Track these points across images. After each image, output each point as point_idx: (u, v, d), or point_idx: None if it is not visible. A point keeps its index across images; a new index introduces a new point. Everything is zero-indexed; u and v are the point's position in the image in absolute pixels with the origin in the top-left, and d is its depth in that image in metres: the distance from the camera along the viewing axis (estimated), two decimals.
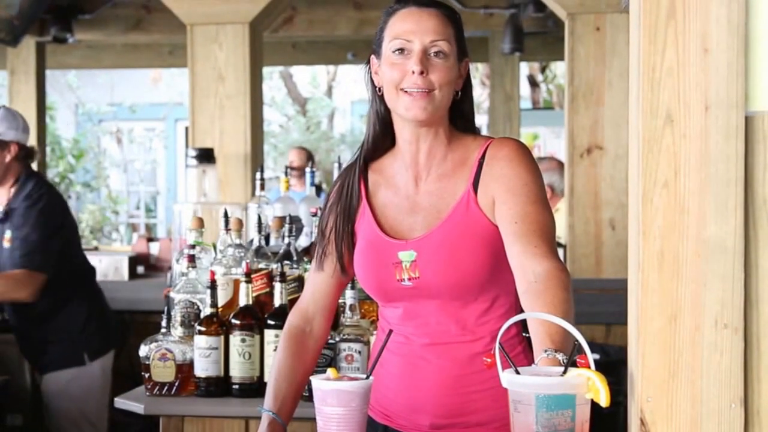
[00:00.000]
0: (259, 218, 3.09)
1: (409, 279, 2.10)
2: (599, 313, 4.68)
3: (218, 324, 2.87)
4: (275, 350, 2.31)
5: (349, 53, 8.75)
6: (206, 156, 4.97)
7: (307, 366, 2.24)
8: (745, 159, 1.51)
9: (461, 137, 2.16)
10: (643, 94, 1.53)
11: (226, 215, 3.14)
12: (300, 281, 2.91)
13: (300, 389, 2.23)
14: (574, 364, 1.57)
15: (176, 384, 2.93)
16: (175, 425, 2.89)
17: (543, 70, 13.50)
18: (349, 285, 2.64)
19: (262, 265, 2.99)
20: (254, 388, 2.85)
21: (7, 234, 4.15)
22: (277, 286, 2.83)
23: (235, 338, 2.86)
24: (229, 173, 5.19)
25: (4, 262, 4.14)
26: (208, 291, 2.88)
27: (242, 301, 2.87)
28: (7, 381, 4.82)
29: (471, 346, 2.10)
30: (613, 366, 4.22)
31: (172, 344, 2.95)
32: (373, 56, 2.16)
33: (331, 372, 1.89)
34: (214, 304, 2.87)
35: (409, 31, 2.07)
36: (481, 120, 10.34)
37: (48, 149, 10.83)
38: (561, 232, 5.38)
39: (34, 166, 4.37)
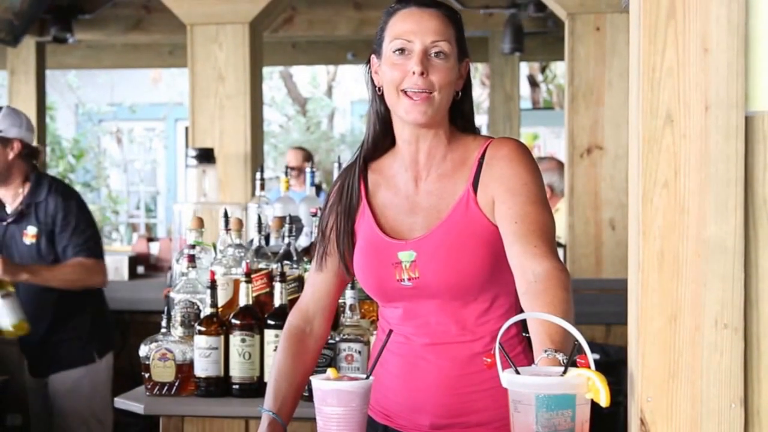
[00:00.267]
0: (259, 218, 3.09)
1: (409, 279, 2.10)
2: (599, 313, 4.68)
3: (218, 324, 2.87)
4: (275, 350, 2.31)
5: (349, 53, 8.75)
6: (206, 156, 4.97)
7: (307, 366, 2.24)
8: (745, 159, 1.51)
9: (461, 137, 2.16)
10: (643, 94, 1.53)
11: (226, 215, 3.14)
12: (300, 281, 2.92)
13: (300, 389, 2.23)
14: (574, 364, 1.57)
15: (176, 384, 2.93)
16: (175, 425, 2.89)
17: (543, 70, 13.50)
18: (349, 285, 2.64)
19: (262, 265, 2.99)
20: (254, 388, 2.85)
21: (31, 230, 4.21)
22: (277, 286, 2.83)
23: (235, 338, 2.86)
24: (229, 173, 5.19)
25: (23, 258, 4.20)
26: (208, 291, 2.88)
27: (242, 301, 2.87)
28: (7, 381, 4.83)
29: (471, 345, 2.10)
30: (613, 366, 4.22)
31: (172, 344, 2.95)
32: (373, 56, 2.16)
33: (331, 372, 1.89)
34: (214, 304, 2.88)
35: (410, 32, 2.07)
36: (481, 120, 10.33)
37: (48, 149, 10.85)
38: (561, 232, 5.38)
39: None
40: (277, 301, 2.84)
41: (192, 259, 3.05)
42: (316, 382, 1.87)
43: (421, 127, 2.11)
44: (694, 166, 1.51)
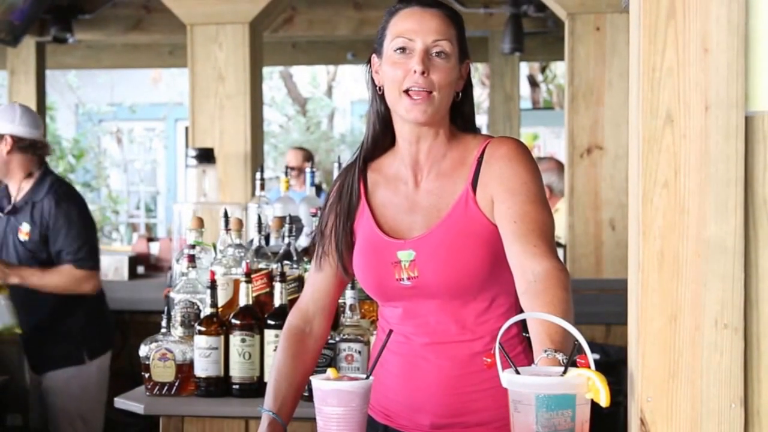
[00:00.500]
0: (259, 218, 3.09)
1: (408, 278, 2.10)
2: (599, 313, 4.68)
3: (218, 324, 2.87)
4: (275, 350, 2.31)
5: (349, 53, 8.75)
6: (206, 156, 4.97)
7: (307, 366, 2.24)
8: (745, 159, 1.51)
9: (461, 136, 2.16)
10: (643, 94, 1.53)
11: (226, 215, 3.14)
12: (300, 281, 2.91)
13: (300, 389, 2.23)
14: (574, 364, 1.57)
15: (176, 384, 2.93)
16: (175, 425, 2.89)
17: (543, 70, 13.50)
18: (349, 285, 2.65)
19: (262, 265, 2.99)
20: (254, 388, 2.85)
21: (25, 227, 4.23)
22: (277, 286, 2.83)
23: (235, 338, 2.86)
24: (229, 173, 5.19)
25: (20, 255, 4.23)
26: (208, 291, 2.88)
27: (242, 301, 2.87)
28: (7, 381, 4.83)
29: (471, 345, 2.10)
30: (613, 366, 4.22)
31: (172, 344, 2.95)
32: (374, 55, 2.16)
33: (331, 372, 1.89)
34: (214, 304, 2.88)
35: (412, 31, 2.07)
36: (481, 120, 10.33)
37: None
38: (561, 232, 5.38)
39: None
40: (277, 301, 2.84)
41: (192, 259, 3.06)
42: (316, 382, 1.87)
43: (422, 126, 2.11)
44: (694, 166, 1.51)
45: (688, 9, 1.51)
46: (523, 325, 2.10)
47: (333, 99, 14.81)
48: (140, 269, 6.12)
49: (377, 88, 2.16)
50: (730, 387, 1.50)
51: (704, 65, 1.51)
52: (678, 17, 1.52)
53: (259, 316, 2.88)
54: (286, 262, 2.93)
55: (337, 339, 2.75)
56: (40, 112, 7.43)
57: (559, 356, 1.69)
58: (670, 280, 1.52)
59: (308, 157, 7.47)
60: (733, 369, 1.50)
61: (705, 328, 1.51)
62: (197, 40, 5.21)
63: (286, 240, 3.01)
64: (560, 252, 4.95)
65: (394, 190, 2.17)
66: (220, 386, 2.88)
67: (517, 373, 1.57)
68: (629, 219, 1.65)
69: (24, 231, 4.23)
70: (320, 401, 1.86)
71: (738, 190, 1.51)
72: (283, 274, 2.82)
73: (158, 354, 2.93)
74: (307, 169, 3.63)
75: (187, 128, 6.13)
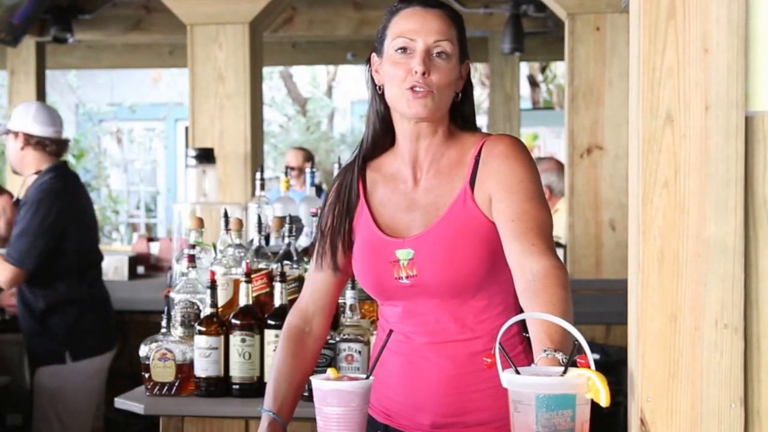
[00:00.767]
0: (259, 218, 3.09)
1: (407, 277, 2.10)
2: (599, 313, 4.68)
3: (218, 324, 2.87)
4: (275, 350, 2.31)
5: (349, 53, 8.75)
6: (206, 156, 4.97)
7: (307, 366, 2.24)
8: (745, 159, 1.51)
9: (459, 135, 2.16)
10: (643, 94, 1.53)
11: (226, 215, 3.14)
12: (300, 281, 2.91)
13: (300, 389, 2.23)
14: (574, 364, 1.57)
15: (176, 384, 2.93)
16: (175, 425, 2.89)
17: (543, 70, 13.50)
18: (349, 285, 2.65)
19: (262, 265, 2.99)
20: (254, 388, 2.85)
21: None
22: (277, 286, 2.83)
23: (235, 338, 2.86)
24: (229, 173, 5.19)
25: None
26: (208, 291, 2.88)
27: (242, 301, 2.87)
28: (7, 381, 4.84)
29: (470, 344, 2.10)
30: (613, 366, 4.22)
31: (172, 344, 2.95)
32: (374, 54, 2.16)
33: (331, 372, 1.89)
34: (214, 304, 2.88)
35: (413, 31, 2.07)
36: (481, 120, 10.29)
37: None
38: (561, 233, 5.38)
39: None
40: (277, 301, 2.84)
41: (192, 259, 3.06)
42: (316, 382, 1.87)
43: (422, 123, 2.11)
44: (694, 166, 1.51)
45: (688, 9, 1.51)
46: (522, 324, 2.10)
47: (333, 99, 14.81)
48: (140, 269, 6.12)
49: (377, 87, 2.16)
50: (730, 387, 1.50)
51: (704, 65, 1.51)
52: (678, 17, 1.52)
53: (259, 316, 2.88)
54: (286, 262, 2.93)
55: (337, 339, 2.75)
56: None
57: (559, 356, 1.69)
58: (670, 280, 1.52)
59: (308, 157, 7.47)
60: (733, 369, 1.50)
61: (705, 328, 1.51)
62: (197, 40, 5.21)
63: (286, 240, 3.01)
64: (560, 252, 4.95)
65: (393, 189, 2.17)
66: (220, 386, 2.88)
67: (517, 373, 1.57)
68: (629, 219, 1.65)
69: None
70: (320, 401, 1.86)
71: (738, 190, 1.51)
72: (283, 274, 2.82)
73: (158, 354, 2.93)
74: (307, 169, 3.63)
75: (187, 128, 6.13)
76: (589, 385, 1.52)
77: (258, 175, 3.52)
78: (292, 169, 7.14)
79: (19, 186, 4.64)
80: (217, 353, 2.86)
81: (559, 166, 5.93)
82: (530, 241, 1.97)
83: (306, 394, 2.44)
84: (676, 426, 1.51)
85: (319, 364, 2.38)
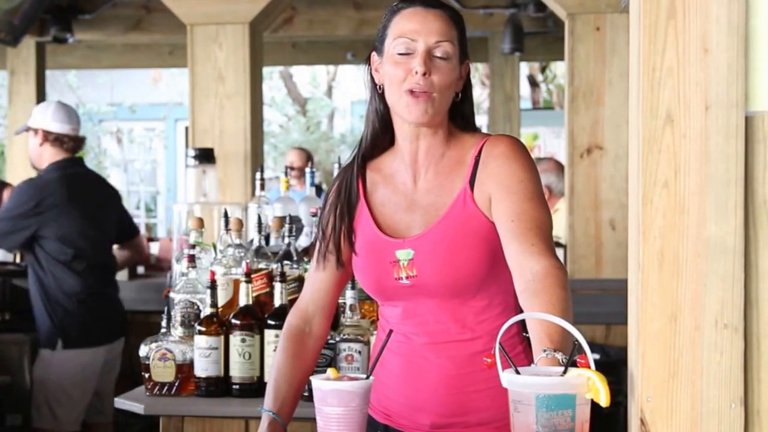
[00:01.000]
0: (259, 218, 3.09)
1: (407, 277, 2.10)
2: (599, 313, 4.68)
3: (218, 324, 2.87)
4: (275, 350, 2.31)
5: (349, 53, 8.75)
6: (206, 156, 4.96)
7: (307, 366, 2.24)
8: (745, 159, 1.51)
9: (459, 135, 2.16)
10: (643, 94, 1.53)
11: (226, 215, 3.14)
12: (300, 281, 2.91)
13: (300, 389, 2.23)
14: (574, 364, 1.57)
15: (176, 384, 2.93)
16: (175, 425, 2.89)
17: (543, 70, 13.50)
18: (349, 285, 2.65)
19: (262, 265, 2.99)
20: (254, 388, 2.85)
21: None
22: (277, 286, 2.83)
23: (235, 338, 2.86)
24: (229, 173, 5.19)
25: None
26: (208, 291, 2.88)
27: (242, 301, 2.87)
28: (7, 381, 4.84)
29: (470, 344, 2.10)
30: (613, 366, 4.22)
31: (172, 344, 2.95)
32: (374, 53, 2.16)
33: (331, 372, 1.89)
34: (214, 304, 2.88)
35: (414, 31, 2.07)
36: (481, 120, 10.32)
37: None
38: (561, 233, 5.38)
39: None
40: (277, 301, 2.84)
41: (192, 259, 3.06)
42: (316, 382, 1.87)
43: (422, 125, 2.11)
44: (694, 166, 1.51)
45: (688, 9, 1.51)
46: (522, 324, 2.10)
47: (333, 99, 14.81)
48: (140, 269, 6.12)
49: (377, 86, 2.16)
50: (730, 387, 1.50)
51: (704, 65, 1.51)
52: (678, 17, 1.52)
53: (259, 316, 2.88)
54: (286, 262, 2.93)
55: (337, 339, 2.75)
56: None
57: (559, 356, 1.69)
58: (670, 280, 1.52)
59: (308, 157, 7.48)
60: (733, 369, 1.50)
61: (705, 328, 1.51)
62: (197, 40, 5.21)
63: (286, 240, 3.01)
64: (560, 252, 4.95)
65: (392, 189, 2.17)
66: (220, 386, 2.88)
67: (517, 373, 1.57)
68: (629, 219, 1.65)
69: None
70: (320, 401, 1.86)
71: (738, 190, 1.51)
72: (283, 274, 2.82)
73: (158, 354, 2.93)
74: (307, 169, 3.62)
75: (187, 128, 6.12)
76: (589, 385, 1.52)
77: (258, 175, 3.52)
78: (293, 169, 7.14)
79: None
80: (217, 353, 2.86)
81: (559, 166, 5.93)
82: (530, 241, 1.97)
83: (306, 394, 2.44)
84: (676, 426, 1.51)
85: (319, 364, 2.38)
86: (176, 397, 2.92)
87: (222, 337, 2.86)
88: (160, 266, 6.21)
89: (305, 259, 2.97)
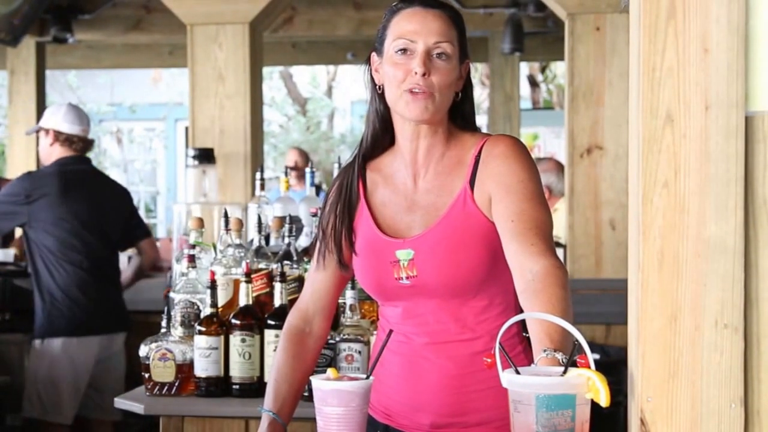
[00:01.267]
0: (259, 218, 3.09)
1: (407, 277, 2.10)
2: (599, 313, 4.68)
3: (218, 324, 2.87)
4: (275, 350, 2.31)
5: (349, 53, 8.75)
6: (206, 156, 4.97)
7: (307, 366, 2.24)
8: (745, 159, 1.51)
9: (459, 135, 2.16)
10: (643, 94, 1.53)
11: (226, 215, 3.14)
12: (300, 281, 2.91)
13: (300, 389, 2.23)
14: (574, 364, 1.57)
15: (176, 384, 2.93)
16: (175, 425, 2.89)
17: (543, 70, 13.50)
18: (349, 285, 2.65)
19: (262, 265, 2.99)
20: (254, 388, 2.85)
21: None
22: (277, 286, 2.83)
23: (235, 338, 2.86)
24: (229, 173, 5.19)
25: None
26: (208, 291, 2.88)
27: (242, 301, 2.87)
28: (7, 381, 4.84)
29: (470, 344, 2.10)
30: (613, 366, 4.22)
31: (172, 344, 2.95)
32: (374, 54, 2.16)
33: (331, 372, 1.89)
34: (214, 304, 2.87)
35: (414, 32, 2.07)
36: (481, 120, 10.29)
37: None
38: (561, 232, 5.38)
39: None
40: (277, 301, 2.84)
41: (192, 259, 3.05)
42: (316, 382, 1.87)
43: (422, 124, 2.11)
44: (694, 166, 1.51)
45: (688, 9, 1.51)
46: (522, 324, 2.10)
47: (333, 99, 14.81)
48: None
49: (377, 87, 2.16)
50: (730, 387, 1.50)
51: (704, 65, 1.51)
52: (678, 17, 1.52)
53: (259, 316, 2.88)
54: (286, 262, 2.93)
55: (337, 339, 2.75)
56: (40, 112, 7.42)
57: (559, 356, 1.69)
58: (670, 280, 1.52)
59: (306, 158, 7.48)
60: (733, 369, 1.50)
61: (705, 328, 1.51)
62: (197, 40, 5.21)
63: (286, 240, 3.01)
64: (560, 252, 4.95)
65: (393, 189, 2.17)
66: (220, 386, 2.88)
67: (517, 373, 1.57)
68: (629, 219, 1.65)
69: None
70: (320, 401, 1.86)
71: (738, 190, 1.51)
72: (283, 274, 2.82)
73: (158, 354, 2.93)
74: (307, 169, 3.62)
75: (187, 128, 6.13)
76: (589, 385, 1.52)
77: (258, 175, 3.51)
78: (292, 169, 7.14)
79: None
80: (217, 353, 2.86)
81: (559, 166, 5.93)
82: (530, 241, 1.97)
83: (306, 394, 2.44)
84: (676, 426, 1.51)
85: (319, 364, 2.38)
86: (176, 397, 2.92)
87: (222, 337, 2.86)
88: (160, 266, 6.21)
89: (305, 259, 2.97)
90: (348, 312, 2.76)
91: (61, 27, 7.16)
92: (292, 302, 2.67)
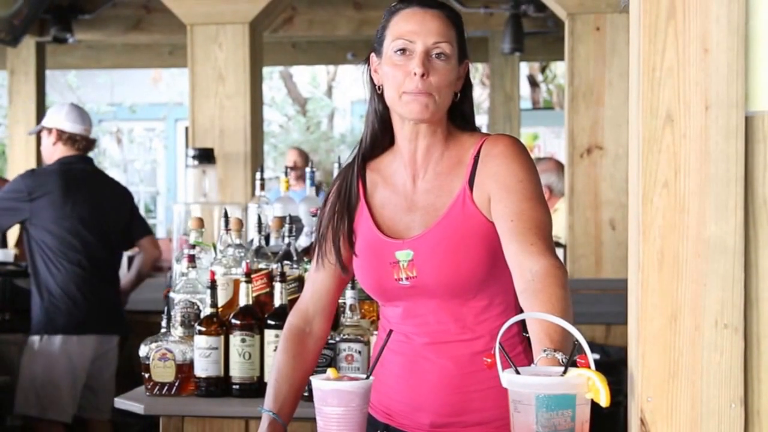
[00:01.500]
0: (259, 218, 3.09)
1: (407, 278, 2.10)
2: (599, 313, 4.68)
3: (218, 324, 2.87)
4: (275, 350, 2.31)
5: (349, 53, 8.75)
6: (206, 156, 4.97)
7: (308, 366, 2.24)
8: (745, 159, 1.51)
9: (458, 135, 2.16)
10: (643, 94, 1.53)
11: (226, 215, 3.14)
12: (300, 281, 2.91)
13: (300, 389, 2.23)
14: (574, 364, 1.57)
15: (176, 384, 2.93)
16: (175, 425, 2.89)
17: (543, 70, 13.50)
18: (349, 285, 2.65)
19: (262, 265, 2.99)
20: (254, 388, 2.85)
21: None
22: (277, 286, 2.83)
23: (235, 338, 2.86)
24: (229, 173, 5.19)
25: None
26: (208, 291, 2.88)
27: (242, 301, 2.87)
28: (7, 381, 4.84)
29: (471, 344, 2.10)
30: (613, 366, 4.22)
31: (172, 344, 2.95)
32: (373, 54, 2.16)
33: (331, 372, 1.89)
34: (214, 304, 2.88)
35: (412, 32, 2.06)
36: (481, 120, 10.32)
37: None
38: (561, 232, 5.37)
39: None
40: (277, 301, 2.84)
41: (192, 259, 3.05)
42: (316, 382, 1.87)
43: (421, 124, 2.11)
44: (694, 166, 1.51)
45: (688, 9, 1.51)
46: (523, 324, 2.10)
47: (333, 99, 14.81)
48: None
49: (376, 87, 2.16)
50: (730, 387, 1.50)
51: (704, 65, 1.51)
52: (678, 17, 1.52)
53: (259, 316, 2.88)
54: (286, 262, 2.93)
55: (337, 339, 2.75)
56: (40, 112, 7.43)
57: (559, 356, 1.69)
58: (670, 280, 1.52)
59: (306, 158, 7.48)
60: (733, 369, 1.50)
61: (705, 328, 1.51)
62: (197, 40, 5.21)
63: (286, 240, 3.01)
64: (560, 252, 4.95)
65: (392, 190, 2.17)
66: (220, 386, 2.88)
67: (517, 373, 1.57)
68: (629, 219, 1.65)
69: None
70: (320, 401, 1.86)
71: (738, 190, 1.51)
72: (283, 274, 2.82)
73: (158, 354, 2.93)
74: (307, 169, 3.62)
75: (187, 128, 6.13)
76: (589, 385, 1.52)
77: (258, 175, 3.51)
78: (292, 169, 7.14)
79: None
80: (217, 353, 2.86)
81: (559, 166, 5.93)
82: (529, 241, 1.97)
83: (306, 394, 2.44)
84: (676, 426, 1.51)
85: (319, 364, 2.38)
86: (176, 397, 2.92)
87: (222, 337, 2.86)
88: (160, 266, 6.21)
89: (305, 259, 2.97)
90: (348, 312, 2.76)
91: (61, 27, 7.16)
92: (292, 302, 2.67)
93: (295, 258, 2.97)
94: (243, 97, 5.20)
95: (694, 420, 1.51)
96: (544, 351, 1.72)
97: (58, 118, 4.74)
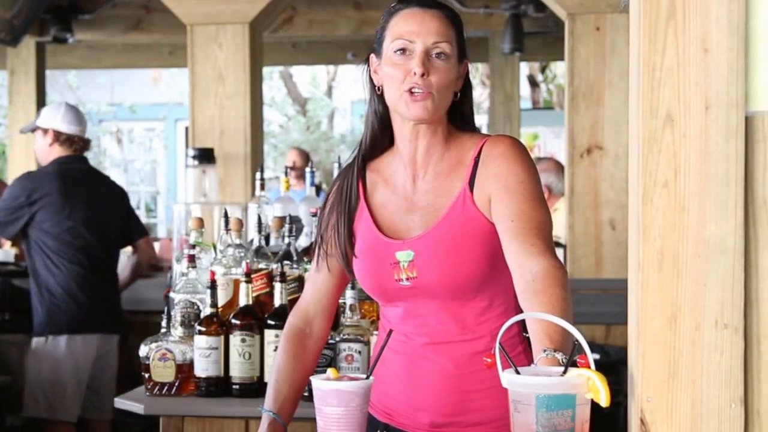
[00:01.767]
0: (259, 218, 3.09)
1: (407, 279, 2.10)
2: (599, 313, 4.68)
3: (218, 324, 2.87)
4: (275, 350, 2.31)
5: (349, 53, 8.75)
6: (206, 156, 4.97)
7: (308, 366, 2.24)
8: (745, 159, 1.51)
9: (458, 135, 2.16)
10: (643, 94, 1.53)
11: (226, 215, 3.14)
12: (300, 281, 2.91)
13: (300, 389, 2.23)
14: (574, 364, 1.57)
15: (176, 384, 2.93)
16: (175, 425, 2.89)
17: (543, 70, 13.50)
18: (349, 285, 2.65)
19: (262, 265, 2.99)
20: (254, 388, 2.85)
21: None
22: (277, 286, 2.83)
23: (235, 338, 2.86)
24: (229, 173, 5.19)
25: None
26: (208, 291, 2.88)
27: (242, 301, 2.87)
28: (7, 381, 4.85)
29: (471, 345, 2.10)
30: (613, 366, 4.22)
31: (172, 344, 2.95)
32: (372, 55, 2.16)
33: (331, 372, 1.89)
34: (214, 304, 2.88)
35: (412, 32, 2.07)
36: (481, 120, 10.33)
37: None
38: (561, 232, 5.38)
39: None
40: (277, 301, 2.84)
41: (192, 259, 3.06)
42: (316, 382, 1.87)
43: (421, 124, 2.11)
44: (694, 166, 1.51)
45: (688, 9, 1.51)
46: (523, 324, 2.10)
47: (333, 99, 14.81)
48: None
49: (376, 87, 2.16)
50: (730, 387, 1.50)
51: (704, 65, 1.51)
52: (678, 17, 1.52)
53: (259, 316, 2.88)
54: (286, 262, 2.93)
55: (337, 339, 2.75)
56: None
57: (559, 356, 1.69)
58: (670, 280, 1.52)
59: (307, 158, 7.48)
60: (733, 369, 1.50)
61: (705, 328, 1.51)
62: (197, 40, 5.21)
63: (286, 240, 3.01)
64: (560, 252, 4.95)
65: (392, 190, 2.17)
66: (220, 386, 2.88)
67: (517, 373, 1.57)
68: (629, 219, 1.65)
69: None
70: (320, 401, 1.86)
71: (738, 190, 1.51)
72: (283, 274, 2.82)
73: (158, 354, 2.93)
74: (307, 169, 3.62)
75: (187, 128, 6.13)
76: (589, 385, 1.52)
77: (258, 175, 3.51)
78: (292, 169, 7.14)
79: None
80: (217, 353, 2.86)
81: (559, 166, 5.93)
82: (529, 242, 1.97)
83: (306, 394, 2.44)
84: (676, 426, 1.51)
85: (319, 364, 2.38)
86: (176, 397, 2.92)
87: (222, 337, 2.87)
88: (160, 266, 6.21)
89: (305, 259, 2.97)
90: (348, 312, 2.76)
91: (61, 27, 7.16)
92: (292, 302, 2.67)
93: (295, 258, 2.97)
94: (243, 97, 5.20)
95: (694, 420, 1.51)
96: (544, 351, 1.72)
97: (55, 118, 4.72)
